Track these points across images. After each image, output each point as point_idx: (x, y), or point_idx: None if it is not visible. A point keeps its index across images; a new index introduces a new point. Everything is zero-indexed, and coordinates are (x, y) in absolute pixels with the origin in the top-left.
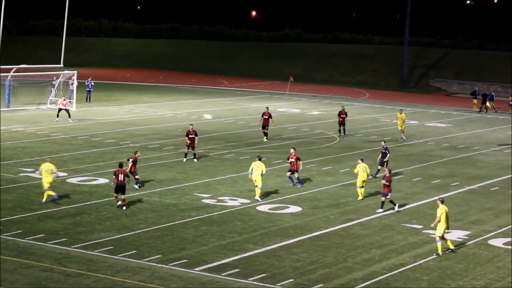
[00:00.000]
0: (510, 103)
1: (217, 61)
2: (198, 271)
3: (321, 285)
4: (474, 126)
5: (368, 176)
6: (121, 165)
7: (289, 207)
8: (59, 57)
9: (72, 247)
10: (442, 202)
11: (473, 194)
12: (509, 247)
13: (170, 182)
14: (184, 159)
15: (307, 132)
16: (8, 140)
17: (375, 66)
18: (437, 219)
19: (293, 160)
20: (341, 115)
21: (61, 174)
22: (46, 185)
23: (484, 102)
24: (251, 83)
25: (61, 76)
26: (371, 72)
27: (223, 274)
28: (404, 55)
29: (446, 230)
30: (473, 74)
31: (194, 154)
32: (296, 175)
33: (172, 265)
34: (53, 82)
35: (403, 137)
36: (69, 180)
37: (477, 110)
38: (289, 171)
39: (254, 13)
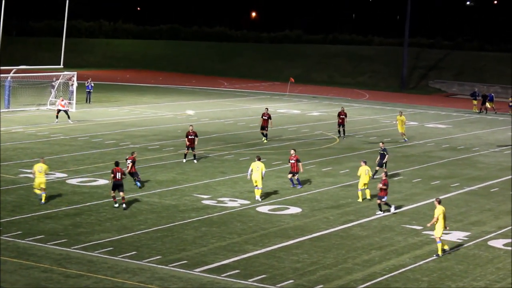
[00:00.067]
0: (510, 104)
1: (217, 62)
2: (198, 272)
3: (321, 286)
4: (474, 127)
5: (370, 178)
6: (117, 164)
7: (289, 208)
8: (59, 58)
9: (72, 248)
10: (439, 202)
11: (473, 195)
12: (509, 248)
13: (170, 183)
14: (184, 160)
15: (307, 133)
16: (8, 141)
17: (375, 67)
18: (434, 219)
19: (293, 161)
20: (341, 116)
21: (61, 175)
22: (38, 185)
23: (484, 103)
24: (251, 84)
25: (61, 77)
26: (371, 73)
27: (223, 275)
28: (404, 56)
29: (444, 231)
30: (473, 75)
31: (194, 155)
32: (296, 176)
33: (172, 266)
34: (53, 83)
35: (405, 138)
36: (69, 181)
37: (477, 111)
38: (290, 173)
39: (254, 14)
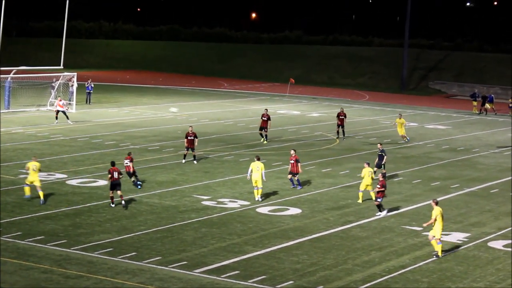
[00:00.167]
0: (510, 105)
1: (217, 63)
2: (198, 273)
3: (321, 287)
4: (473, 128)
5: (372, 180)
6: (113, 163)
7: (289, 209)
8: (59, 58)
9: (72, 248)
10: (437, 203)
11: (472, 196)
12: (509, 249)
13: (170, 184)
14: (183, 161)
15: (307, 134)
16: (8, 142)
17: (375, 68)
18: (432, 220)
19: (292, 161)
20: (340, 117)
21: (61, 176)
22: (30, 181)
23: (483, 104)
24: (251, 85)
25: (61, 78)
26: (371, 74)
27: (223, 276)
28: (404, 57)
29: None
30: (473, 76)
31: (194, 156)
32: (296, 177)
33: (172, 267)
34: (53, 84)
35: (407, 138)
36: (69, 182)
37: (477, 112)
38: (289, 173)
39: (254, 15)
